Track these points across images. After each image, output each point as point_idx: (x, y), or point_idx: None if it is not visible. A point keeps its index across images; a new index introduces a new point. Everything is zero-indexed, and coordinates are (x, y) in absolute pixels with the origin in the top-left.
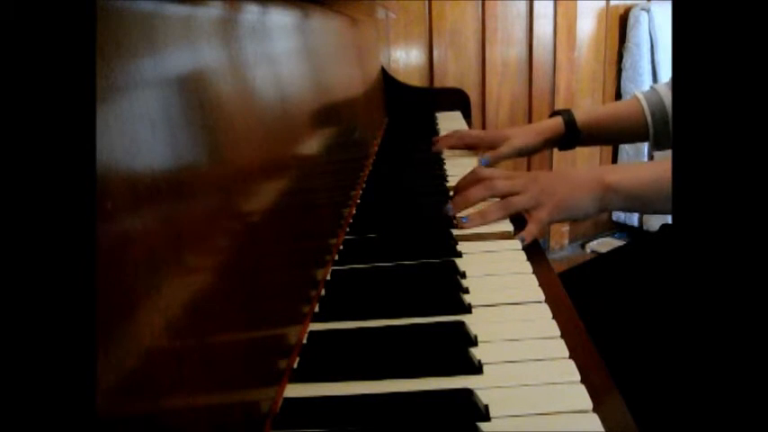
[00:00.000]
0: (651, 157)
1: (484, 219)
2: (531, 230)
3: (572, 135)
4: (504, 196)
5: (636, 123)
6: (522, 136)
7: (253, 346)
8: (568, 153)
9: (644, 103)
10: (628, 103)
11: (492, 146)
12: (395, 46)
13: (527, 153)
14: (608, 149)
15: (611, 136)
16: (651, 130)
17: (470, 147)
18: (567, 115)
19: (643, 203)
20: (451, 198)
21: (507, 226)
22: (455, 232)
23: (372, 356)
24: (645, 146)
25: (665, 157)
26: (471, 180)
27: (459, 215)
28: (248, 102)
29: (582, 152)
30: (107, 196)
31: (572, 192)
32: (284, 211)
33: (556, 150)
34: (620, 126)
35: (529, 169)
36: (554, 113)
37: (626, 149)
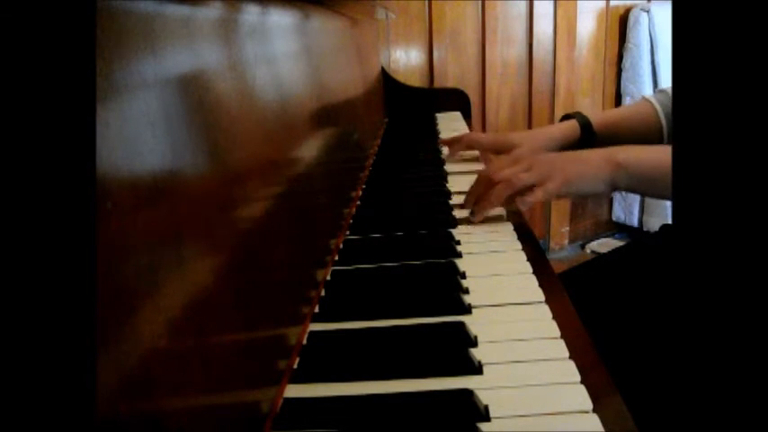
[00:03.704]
0: None
1: (490, 203)
2: (536, 194)
3: (587, 138)
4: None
5: (649, 125)
6: (530, 142)
7: (253, 347)
8: None
9: (656, 105)
10: (638, 105)
11: (498, 152)
12: (395, 46)
13: None
14: None
15: (624, 138)
16: (665, 131)
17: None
18: (581, 118)
19: (653, 184)
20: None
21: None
22: (455, 233)
23: (372, 357)
24: None
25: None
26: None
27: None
28: (248, 102)
29: None
30: (107, 196)
31: (581, 168)
32: (284, 211)
33: None
34: (634, 128)
35: None
36: (565, 117)
37: None
